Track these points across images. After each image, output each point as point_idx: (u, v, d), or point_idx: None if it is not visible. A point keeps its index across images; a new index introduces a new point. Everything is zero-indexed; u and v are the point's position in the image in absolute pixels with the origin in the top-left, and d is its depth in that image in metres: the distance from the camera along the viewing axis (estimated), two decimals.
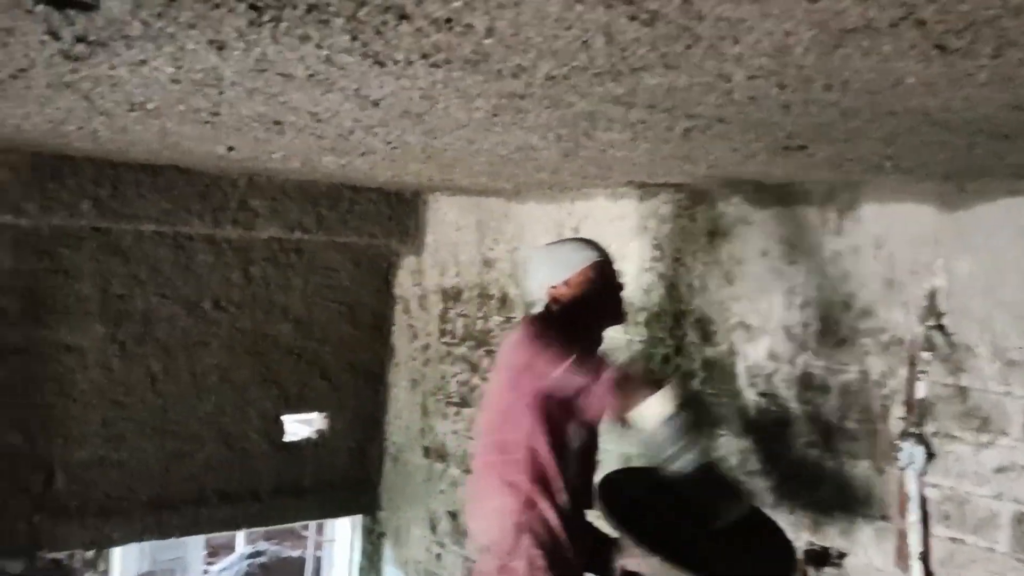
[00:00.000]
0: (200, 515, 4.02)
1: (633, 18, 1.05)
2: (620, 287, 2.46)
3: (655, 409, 2.05)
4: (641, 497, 2.25)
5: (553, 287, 2.41)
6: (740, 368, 2.96)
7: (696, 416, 2.09)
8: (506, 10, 1.05)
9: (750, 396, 2.92)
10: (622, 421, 2.13)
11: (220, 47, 1.33)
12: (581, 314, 2.37)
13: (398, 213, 4.34)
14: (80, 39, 1.32)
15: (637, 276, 3.27)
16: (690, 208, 3.15)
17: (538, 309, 2.51)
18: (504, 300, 3.97)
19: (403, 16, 1.10)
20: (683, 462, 2.03)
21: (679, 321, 3.17)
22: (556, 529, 2.24)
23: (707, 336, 3.07)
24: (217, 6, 1.09)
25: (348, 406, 4.46)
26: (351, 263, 4.42)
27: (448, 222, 4.30)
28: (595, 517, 2.39)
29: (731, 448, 2.95)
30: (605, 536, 2.42)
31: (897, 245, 2.53)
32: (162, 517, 3.91)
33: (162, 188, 3.60)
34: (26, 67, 1.53)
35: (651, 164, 2.56)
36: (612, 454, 2.94)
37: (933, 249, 2.45)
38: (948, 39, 1.02)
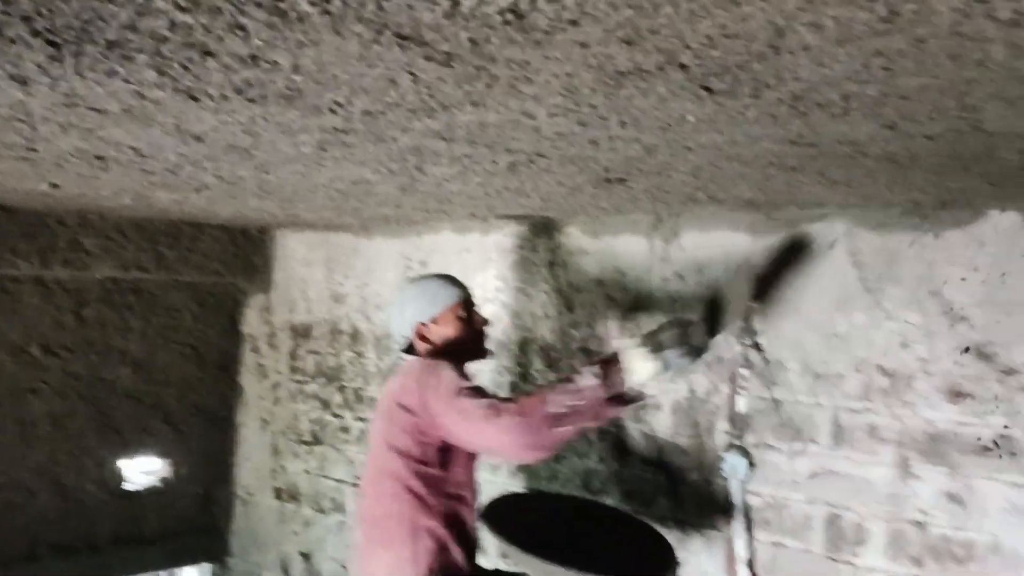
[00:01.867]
0: (33, 571, 3.78)
1: (429, 58, 1.12)
2: (485, 323, 2.45)
3: (642, 372, 2.02)
4: (520, 514, 2.32)
5: (423, 324, 2.38)
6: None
7: (664, 330, 2.07)
8: (307, 48, 1.10)
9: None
10: (621, 408, 2.10)
11: (23, 82, 1.31)
12: (449, 352, 2.33)
13: (244, 250, 4.27)
14: None
15: (483, 307, 3.34)
16: (531, 240, 3.26)
17: (399, 346, 2.47)
18: (355, 335, 3.96)
19: (207, 52, 1.13)
20: (689, 360, 2.06)
21: (524, 349, 3.26)
22: (464, 570, 2.23)
23: (551, 362, 3.17)
24: (12, 41, 1.08)
25: (194, 450, 4.31)
26: (195, 302, 4.31)
27: (296, 258, 4.27)
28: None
29: (576, 469, 3.04)
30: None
31: (716, 270, 2.71)
32: None
33: None
34: None
35: (487, 198, 2.65)
36: None
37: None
38: (711, 81, 1.14)
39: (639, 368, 2.03)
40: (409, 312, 2.40)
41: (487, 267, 3.40)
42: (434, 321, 2.38)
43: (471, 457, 2.28)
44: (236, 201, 3.00)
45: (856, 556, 2.39)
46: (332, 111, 1.47)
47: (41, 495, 3.80)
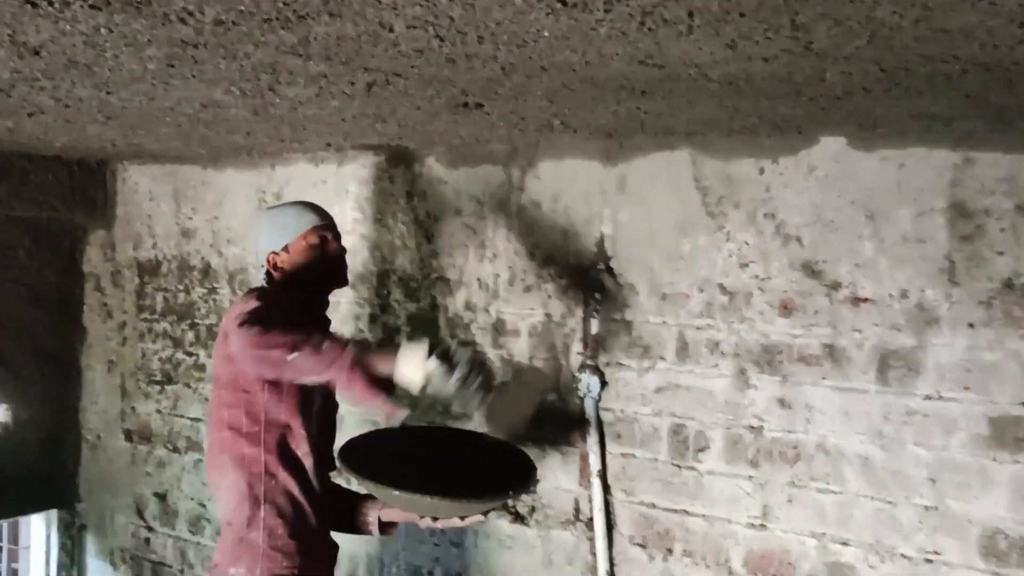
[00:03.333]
0: None
1: None
2: (341, 250, 2.42)
3: (410, 370, 1.96)
4: (381, 449, 2.33)
5: (274, 253, 2.34)
6: (442, 321, 3.12)
7: (450, 352, 2.00)
8: None
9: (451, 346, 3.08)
10: (384, 400, 2.00)
11: None
12: (302, 280, 2.32)
13: (82, 184, 4.04)
14: None
15: (344, 239, 3.31)
16: (388, 170, 3.25)
17: (260, 277, 2.44)
18: (207, 271, 3.85)
19: None
20: (466, 398, 1.98)
21: (384, 280, 3.27)
22: (298, 497, 2.22)
23: (410, 293, 3.20)
24: None
25: (35, 394, 4.10)
26: (30, 239, 4.06)
27: (141, 192, 4.08)
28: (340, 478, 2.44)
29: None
30: (353, 494, 2.46)
31: (571, 198, 2.80)
32: None
33: None
34: None
35: (343, 124, 2.62)
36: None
37: (600, 200, 2.74)
38: None
39: (408, 365, 1.95)
40: (262, 242, 2.37)
41: (344, 199, 3.37)
42: (285, 249, 2.33)
43: (295, 386, 2.21)
44: (74, 128, 2.84)
45: (699, 462, 2.57)
46: (182, 20, 1.43)
47: None
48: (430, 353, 1.95)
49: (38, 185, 3.86)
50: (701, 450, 2.57)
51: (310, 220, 2.38)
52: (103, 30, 1.50)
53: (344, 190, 3.37)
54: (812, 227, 2.39)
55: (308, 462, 2.26)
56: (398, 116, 2.43)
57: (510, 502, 2.86)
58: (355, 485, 2.38)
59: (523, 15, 1.30)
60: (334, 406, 2.47)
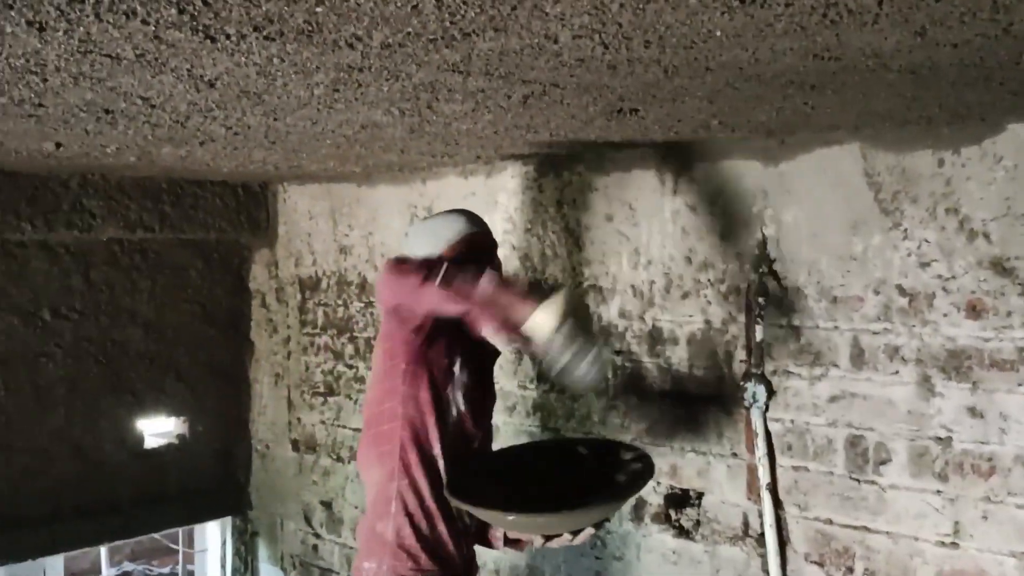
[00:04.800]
0: (57, 533, 3.82)
1: None
2: (493, 249, 2.39)
3: (544, 320, 1.94)
4: (496, 472, 2.32)
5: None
6: (595, 329, 3.07)
7: (587, 324, 1.97)
8: None
9: (605, 355, 3.04)
10: (514, 338, 2.03)
11: (40, 28, 1.28)
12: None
13: (246, 205, 4.24)
14: None
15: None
16: (538, 179, 3.24)
17: None
18: (363, 286, 3.96)
19: None
20: (579, 371, 1.95)
21: None
22: (427, 498, 2.23)
23: None
24: None
25: (209, 407, 4.34)
26: (200, 260, 4.30)
27: (300, 211, 4.25)
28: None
29: (593, 407, 3.07)
30: None
31: (729, 200, 2.70)
32: (14, 539, 3.70)
33: None
34: None
35: (495, 137, 2.62)
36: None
37: (761, 201, 2.63)
38: None
39: (544, 315, 1.95)
40: (415, 251, 2.34)
41: (493, 210, 3.38)
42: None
43: (430, 386, 2.25)
44: (240, 153, 2.97)
45: (880, 476, 2.42)
46: (350, 45, 1.45)
47: (60, 459, 3.82)
48: (566, 315, 1.94)
49: (207, 209, 4.08)
50: (882, 463, 2.41)
51: (462, 228, 2.36)
52: (275, 60, 1.54)
53: (493, 201, 3.39)
54: (1001, 221, 2.20)
55: (440, 464, 2.25)
56: (550, 126, 2.41)
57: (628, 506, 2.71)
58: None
59: (696, 16, 1.24)
60: (483, 413, 2.46)
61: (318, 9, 1.23)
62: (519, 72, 1.66)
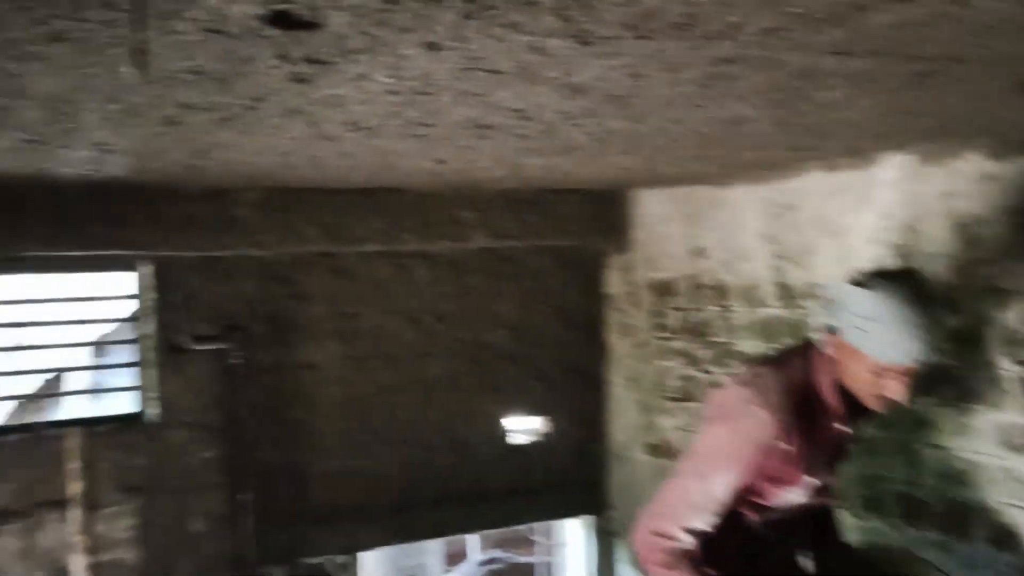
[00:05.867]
0: (440, 519, 4.18)
1: None
2: (900, 394, 1.99)
3: None
4: None
5: (840, 341, 2.03)
6: (990, 336, 2.70)
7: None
8: None
9: (1004, 365, 2.66)
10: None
11: (434, 48, 1.37)
12: (835, 387, 2.09)
13: (602, 212, 4.33)
14: (307, 59, 1.41)
15: (863, 248, 3.08)
16: (919, 170, 2.92)
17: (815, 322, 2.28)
18: (719, 289, 3.86)
19: None
20: None
21: None
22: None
23: (948, 305, 2.83)
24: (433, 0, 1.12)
25: (567, 407, 4.49)
26: (558, 266, 4.47)
27: (654, 216, 4.24)
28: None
29: (989, 423, 2.69)
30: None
31: None
32: (406, 522, 4.10)
33: (378, 209, 3.80)
34: (261, 95, 1.66)
35: (870, 126, 2.40)
36: None
37: None
38: None
39: None
40: (834, 312, 2.04)
41: (865, 207, 3.11)
42: (855, 351, 1.99)
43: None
44: (599, 161, 3.02)
45: None
46: (725, 36, 1.38)
47: (441, 450, 4.18)
48: None
49: (563, 215, 4.24)
50: None
51: (895, 355, 1.94)
52: (645, 59, 1.52)
53: (866, 197, 3.11)
54: None
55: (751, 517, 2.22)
56: (936, 109, 2.15)
57: None
58: None
59: None
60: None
61: None
62: (915, 46, 1.48)
